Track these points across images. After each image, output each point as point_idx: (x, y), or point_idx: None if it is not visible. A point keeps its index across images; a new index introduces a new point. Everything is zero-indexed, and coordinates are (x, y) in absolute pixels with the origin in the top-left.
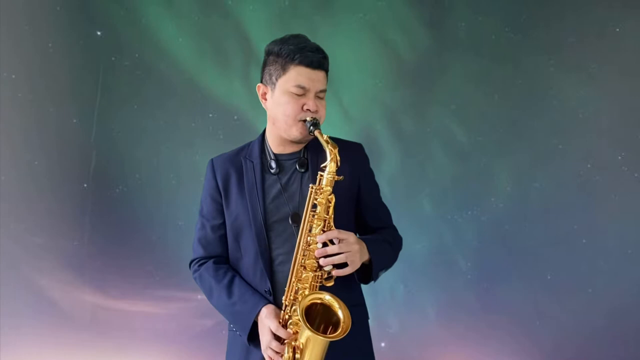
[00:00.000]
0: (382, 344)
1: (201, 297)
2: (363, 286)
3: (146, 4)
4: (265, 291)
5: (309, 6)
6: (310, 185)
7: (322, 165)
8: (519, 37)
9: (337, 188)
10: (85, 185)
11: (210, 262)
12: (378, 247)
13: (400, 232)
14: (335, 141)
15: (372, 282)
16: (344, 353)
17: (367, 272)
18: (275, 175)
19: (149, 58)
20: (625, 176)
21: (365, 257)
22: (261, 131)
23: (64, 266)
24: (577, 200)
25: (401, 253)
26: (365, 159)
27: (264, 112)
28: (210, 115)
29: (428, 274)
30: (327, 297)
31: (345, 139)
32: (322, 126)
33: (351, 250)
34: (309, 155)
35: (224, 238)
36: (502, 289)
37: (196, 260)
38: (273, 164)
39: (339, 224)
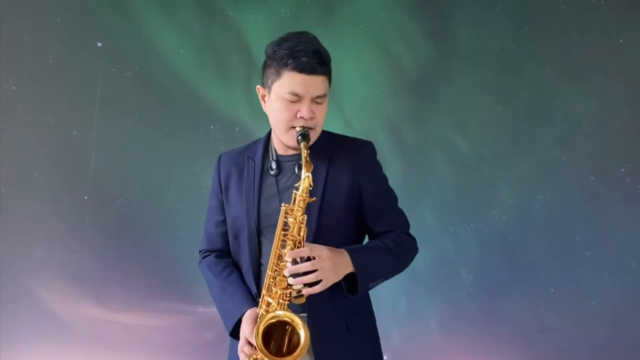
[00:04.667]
0: (385, 357)
1: (202, 309)
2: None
3: (147, 15)
4: (255, 294)
5: (310, 18)
6: (283, 204)
7: (296, 185)
8: (521, 48)
9: (335, 194)
10: (85, 197)
11: (212, 256)
12: (367, 256)
13: None
14: (340, 140)
15: (359, 293)
16: None
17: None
18: (274, 177)
19: (150, 69)
20: (629, 188)
21: (348, 269)
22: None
23: (64, 278)
24: (581, 213)
25: None
26: (365, 162)
27: (265, 124)
28: (212, 127)
29: (430, 286)
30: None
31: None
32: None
33: (323, 267)
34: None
35: (225, 234)
36: (504, 301)
37: (202, 252)
38: (273, 165)
39: (336, 232)
